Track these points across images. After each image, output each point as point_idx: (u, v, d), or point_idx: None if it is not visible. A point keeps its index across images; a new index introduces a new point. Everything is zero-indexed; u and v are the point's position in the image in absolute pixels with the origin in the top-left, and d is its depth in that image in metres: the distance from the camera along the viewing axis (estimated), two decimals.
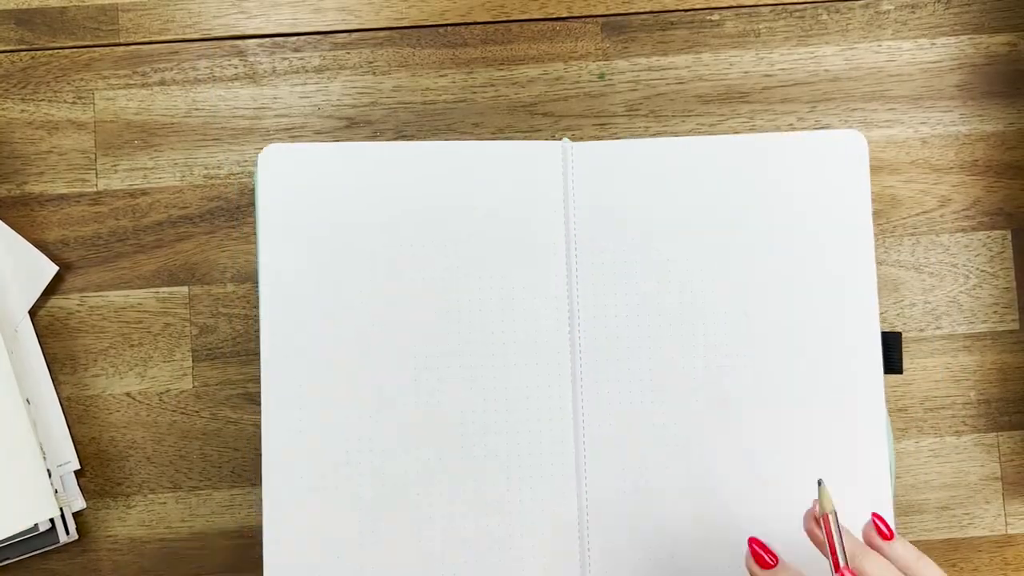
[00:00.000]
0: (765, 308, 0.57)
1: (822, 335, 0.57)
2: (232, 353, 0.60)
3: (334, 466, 0.56)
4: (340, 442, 0.56)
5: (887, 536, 0.47)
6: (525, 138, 0.62)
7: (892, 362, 0.58)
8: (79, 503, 0.59)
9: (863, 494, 0.56)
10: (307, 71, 0.62)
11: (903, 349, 0.60)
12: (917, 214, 0.62)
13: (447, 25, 0.62)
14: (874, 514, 0.48)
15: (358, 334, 0.57)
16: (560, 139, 0.59)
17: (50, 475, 0.58)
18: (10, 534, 0.57)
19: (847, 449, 0.56)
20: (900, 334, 0.58)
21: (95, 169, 0.61)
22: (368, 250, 0.57)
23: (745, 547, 0.47)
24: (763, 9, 0.63)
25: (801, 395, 0.56)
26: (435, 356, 0.57)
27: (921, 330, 0.61)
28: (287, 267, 0.57)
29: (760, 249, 0.58)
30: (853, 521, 0.47)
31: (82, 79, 0.62)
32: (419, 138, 0.62)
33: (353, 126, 0.62)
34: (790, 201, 0.58)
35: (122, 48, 0.62)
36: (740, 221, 0.58)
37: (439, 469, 0.56)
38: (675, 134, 0.62)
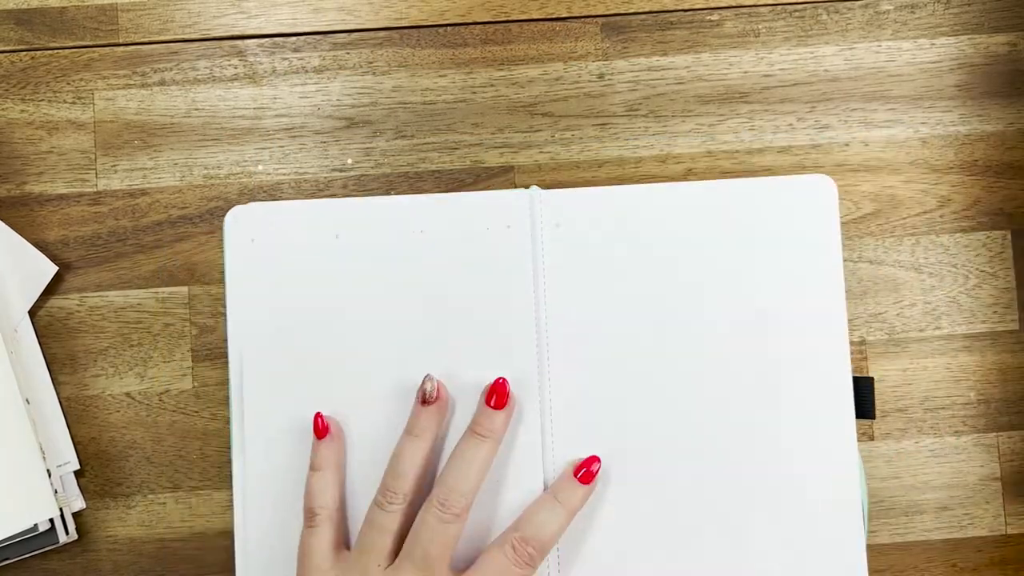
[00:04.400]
0: (735, 353, 0.56)
1: (793, 381, 0.56)
2: None
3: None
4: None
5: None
6: (524, 138, 0.62)
7: (864, 408, 0.57)
8: (79, 503, 0.59)
9: (834, 532, 0.55)
10: (307, 71, 0.62)
11: (875, 394, 0.59)
12: (917, 214, 0.62)
13: (447, 25, 0.62)
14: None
15: (329, 386, 0.56)
16: (528, 187, 0.58)
17: (50, 475, 0.58)
18: (9, 534, 0.57)
19: (820, 494, 0.55)
20: (872, 379, 0.57)
21: (95, 169, 0.62)
22: (335, 307, 0.56)
23: None
24: (763, 9, 0.63)
25: (772, 441, 0.55)
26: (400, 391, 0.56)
27: (921, 330, 0.61)
28: (257, 326, 0.56)
29: (730, 295, 0.56)
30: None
31: (82, 79, 0.62)
32: (418, 138, 0.62)
33: (353, 126, 0.62)
34: (760, 247, 0.56)
35: (122, 48, 0.62)
36: (710, 267, 0.56)
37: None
38: (674, 134, 0.62)
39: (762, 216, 0.57)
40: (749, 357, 0.56)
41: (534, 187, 0.57)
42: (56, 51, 0.62)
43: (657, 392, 0.56)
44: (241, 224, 0.57)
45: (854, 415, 0.56)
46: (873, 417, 0.57)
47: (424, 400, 0.54)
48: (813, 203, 0.57)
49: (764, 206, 0.57)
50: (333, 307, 0.56)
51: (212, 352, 0.61)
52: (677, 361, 0.56)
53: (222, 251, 0.61)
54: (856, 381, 0.56)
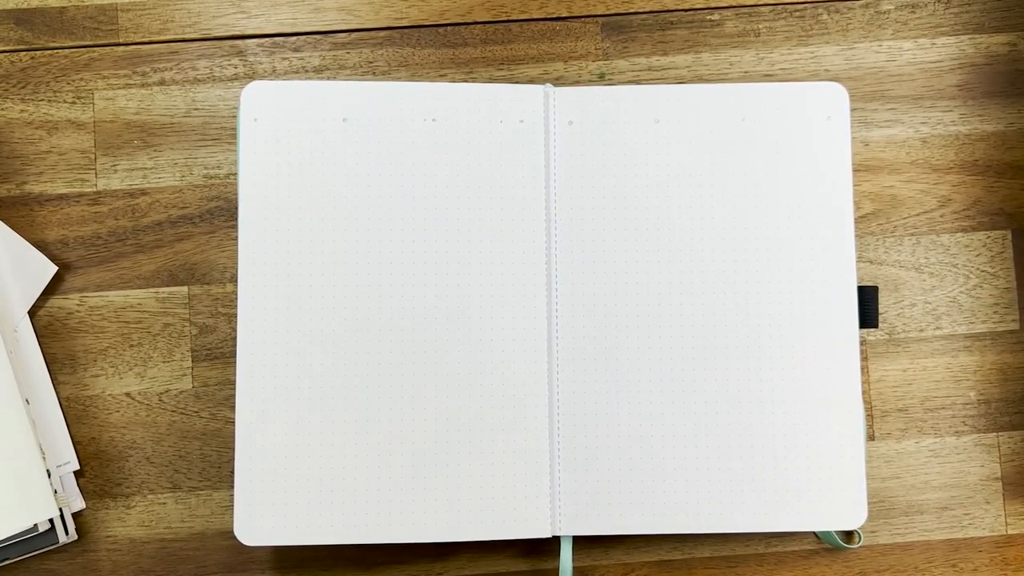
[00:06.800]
0: (744, 257, 0.57)
1: (800, 287, 0.57)
2: (232, 353, 0.60)
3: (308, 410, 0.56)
4: (319, 382, 0.56)
5: None
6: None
7: (868, 316, 0.58)
8: (78, 503, 0.59)
9: (837, 438, 0.56)
10: (307, 71, 0.62)
11: (879, 303, 0.60)
12: (917, 214, 0.62)
13: (447, 25, 0.62)
14: None
15: (335, 273, 0.57)
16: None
17: (49, 475, 0.58)
18: (9, 534, 0.57)
19: (822, 398, 0.56)
20: (877, 288, 0.59)
21: (95, 169, 0.61)
22: (348, 192, 0.57)
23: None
24: (763, 9, 0.63)
25: (777, 346, 0.56)
26: (412, 310, 0.56)
27: (921, 330, 0.61)
28: (267, 206, 0.56)
29: (741, 198, 0.57)
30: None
31: (82, 79, 0.62)
32: None
33: None
34: (773, 151, 0.58)
35: (121, 48, 0.62)
36: (722, 170, 0.57)
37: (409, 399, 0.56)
38: None
39: (774, 119, 0.58)
40: (756, 260, 0.57)
41: (548, 84, 0.58)
42: (56, 51, 0.62)
43: (662, 287, 0.57)
44: (253, 102, 0.57)
45: (858, 322, 0.57)
46: (876, 325, 0.58)
47: None
48: (825, 108, 0.58)
49: (777, 110, 0.58)
50: (339, 191, 0.57)
51: (212, 352, 0.60)
52: (681, 257, 0.57)
53: (225, 246, 0.61)
54: (861, 290, 0.57)
